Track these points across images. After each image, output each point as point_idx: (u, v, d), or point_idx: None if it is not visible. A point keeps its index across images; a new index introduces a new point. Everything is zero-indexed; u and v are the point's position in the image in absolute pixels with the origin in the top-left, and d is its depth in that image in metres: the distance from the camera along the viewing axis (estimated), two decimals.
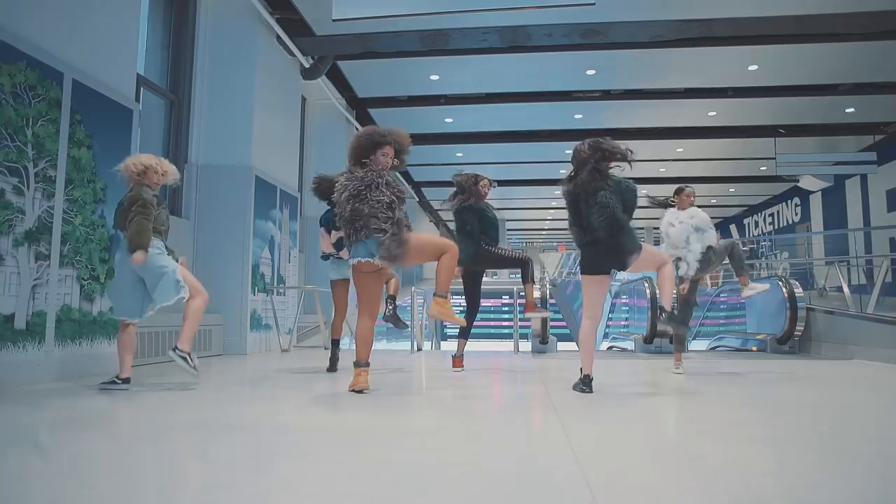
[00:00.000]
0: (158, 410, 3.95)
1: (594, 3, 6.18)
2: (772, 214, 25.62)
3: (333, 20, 6.11)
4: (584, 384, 4.85)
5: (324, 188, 6.05)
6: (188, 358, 4.87)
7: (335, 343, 6.51)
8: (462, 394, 4.97)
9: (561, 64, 12.02)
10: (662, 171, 19.89)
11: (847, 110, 14.75)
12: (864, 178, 17.80)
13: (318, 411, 4.02)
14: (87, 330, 5.67)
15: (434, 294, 4.88)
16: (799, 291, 9.92)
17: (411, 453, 2.82)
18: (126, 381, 4.80)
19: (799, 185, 19.58)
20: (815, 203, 20.98)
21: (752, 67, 12.16)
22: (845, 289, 10.22)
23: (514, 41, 10.11)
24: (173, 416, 3.74)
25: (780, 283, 10.11)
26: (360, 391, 4.64)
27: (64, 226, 5.42)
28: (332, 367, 6.39)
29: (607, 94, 13.67)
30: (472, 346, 6.92)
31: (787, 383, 5.80)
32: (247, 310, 8.81)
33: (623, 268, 4.99)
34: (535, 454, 2.87)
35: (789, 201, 23.45)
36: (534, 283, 6.76)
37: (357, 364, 4.76)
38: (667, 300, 5.11)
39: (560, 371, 6.51)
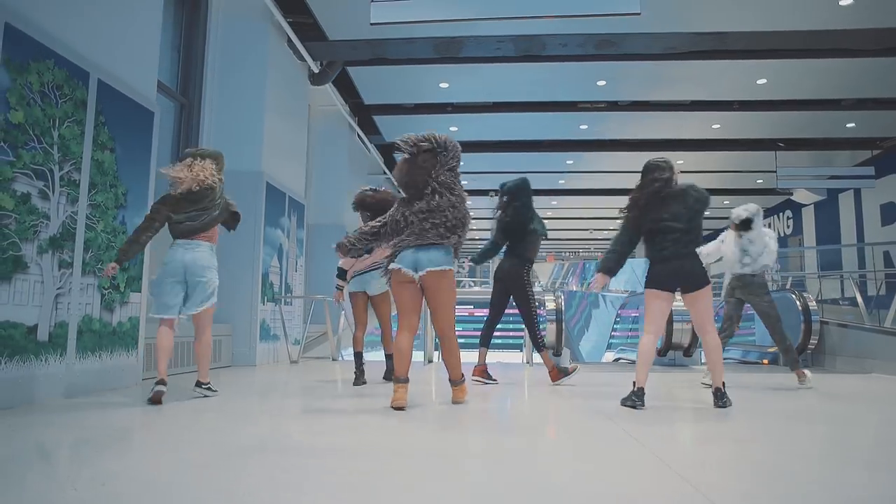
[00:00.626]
0: (213, 429, 3.72)
1: (640, 13, 6.02)
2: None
3: (371, 24, 5.92)
4: (637, 397, 4.71)
5: (370, 200, 6.08)
6: (210, 387, 5.14)
7: (359, 356, 6.29)
8: (504, 409, 4.78)
9: (572, 74, 11.90)
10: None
11: (848, 125, 14.83)
12: (857, 192, 17.86)
13: (379, 435, 3.80)
14: (107, 342, 5.41)
15: (454, 383, 4.92)
16: (812, 304, 9.85)
17: (488, 475, 2.65)
18: (161, 382, 4.67)
19: (792, 198, 19.57)
20: (808, 216, 21.02)
21: (761, 81, 12.15)
22: (860, 301, 10.15)
23: (529, 50, 9.95)
24: (212, 436, 3.52)
25: (794, 295, 10.03)
26: (400, 408, 4.44)
27: (87, 232, 5.17)
28: (360, 380, 6.16)
29: (614, 106, 13.61)
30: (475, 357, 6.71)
31: (825, 398, 5.65)
32: (256, 320, 8.56)
33: (686, 291, 4.89)
34: (631, 473, 2.67)
35: (781, 214, 23.45)
36: (546, 348, 6.52)
37: (397, 380, 4.55)
38: (717, 377, 4.95)
39: (589, 386, 6.32)
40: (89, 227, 5.20)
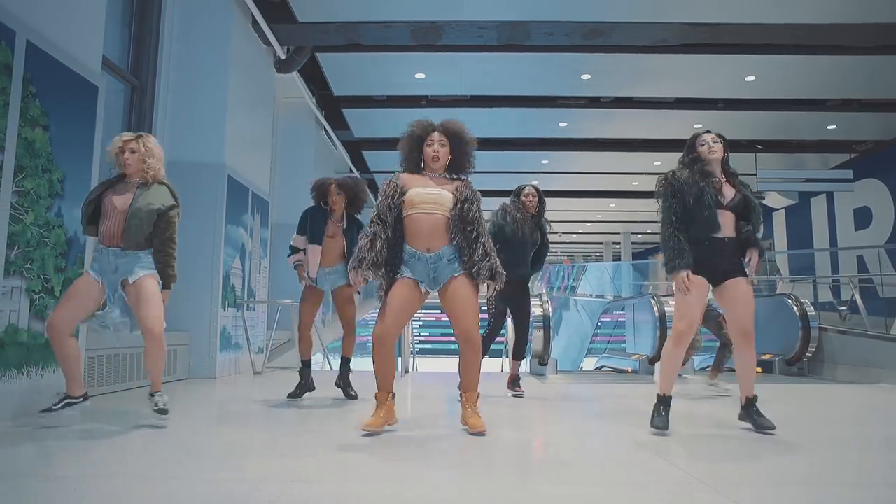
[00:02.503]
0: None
1: None
2: None
3: None
4: (664, 406, 4.14)
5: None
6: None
7: (307, 364, 5.66)
8: (518, 432, 4.00)
9: (556, 66, 11.20)
10: (636, 184, 19.34)
11: (829, 127, 14.50)
12: (830, 196, 17.59)
13: (364, 478, 2.97)
14: (38, 355, 4.49)
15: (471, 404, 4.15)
16: (811, 311, 9.34)
17: None
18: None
19: (764, 202, 19.26)
20: (779, 220, 20.69)
21: (750, 78, 11.63)
22: (861, 307, 9.64)
23: (513, 39, 9.23)
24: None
25: (791, 301, 9.49)
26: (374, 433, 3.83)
27: (12, 225, 4.25)
28: (303, 392, 5.62)
29: (595, 102, 12.94)
30: (446, 365, 6.18)
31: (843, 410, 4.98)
32: (216, 327, 7.66)
33: (719, 282, 4.20)
34: None
35: None
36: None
37: (385, 395, 4.04)
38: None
39: (594, 402, 5.59)
40: (15, 219, 4.27)
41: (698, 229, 4.13)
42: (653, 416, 4.15)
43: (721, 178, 4.25)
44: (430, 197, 4.07)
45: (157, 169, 4.33)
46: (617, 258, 32.60)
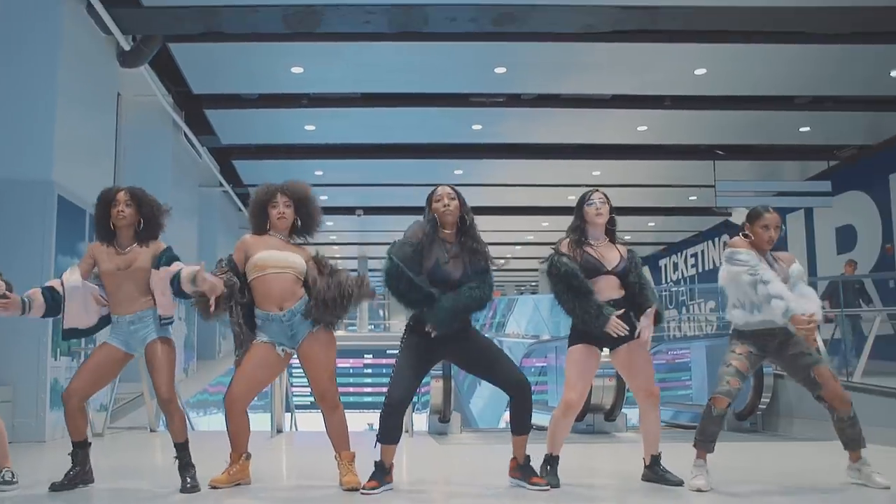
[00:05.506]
0: None
1: None
2: (694, 255, 26.50)
3: None
4: (552, 465, 5.01)
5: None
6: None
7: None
8: None
9: (463, 58, 11.87)
10: (571, 198, 20.02)
11: (801, 129, 15.24)
12: (808, 212, 18.23)
13: None
14: None
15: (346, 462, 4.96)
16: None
17: None
18: None
19: (731, 219, 19.73)
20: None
21: (700, 71, 12.30)
22: (822, 349, 10.20)
23: (407, 26, 9.85)
24: None
25: None
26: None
27: None
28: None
29: (516, 100, 13.66)
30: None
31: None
32: (46, 380, 8.03)
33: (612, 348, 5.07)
34: None
35: (717, 239, 24.08)
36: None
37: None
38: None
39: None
40: None
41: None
42: (541, 473, 4.97)
43: (604, 241, 5.10)
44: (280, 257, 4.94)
45: None
46: None
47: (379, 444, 4.80)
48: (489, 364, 5.03)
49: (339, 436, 4.94)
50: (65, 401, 4.76)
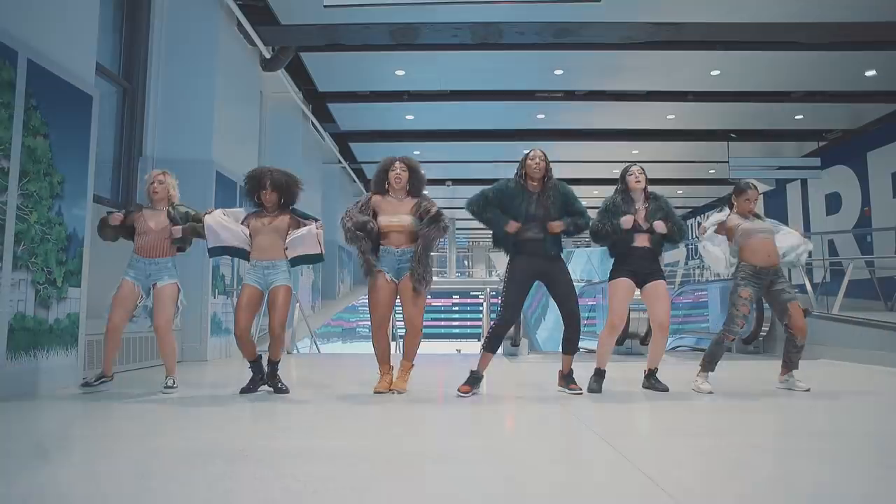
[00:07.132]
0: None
1: (600, 1, 5.82)
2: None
3: (325, 6, 5.59)
4: (598, 377, 5.26)
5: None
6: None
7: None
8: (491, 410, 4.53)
9: (529, 62, 11.72)
10: (616, 172, 19.77)
11: (796, 117, 15.06)
12: (804, 182, 18.17)
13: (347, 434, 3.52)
14: (44, 340, 5.03)
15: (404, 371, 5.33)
16: None
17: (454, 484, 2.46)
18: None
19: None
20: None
21: (715, 72, 12.20)
22: (809, 289, 10.19)
23: (486, 38, 9.70)
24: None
25: None
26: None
27: (18, 224, 4.76)
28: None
29: (570, 95, 13.45)
30: (428, 347, 6.64)
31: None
32: (207, 313, 8.19)
33: (641, 284, 5.34)
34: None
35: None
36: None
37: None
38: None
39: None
40: (21, 219, 4.79)
41: (621, 242, 5.25)
42: (590, 384, 5.24)
43: (644, 204, 5.31)
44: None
45: (174, 195, 5.58)
46: None
47: (481, 352, 5.22)
48: (565, 293, 5.18)
49: (410, 348, 5.32)
50: (237, 336, 5.17)
